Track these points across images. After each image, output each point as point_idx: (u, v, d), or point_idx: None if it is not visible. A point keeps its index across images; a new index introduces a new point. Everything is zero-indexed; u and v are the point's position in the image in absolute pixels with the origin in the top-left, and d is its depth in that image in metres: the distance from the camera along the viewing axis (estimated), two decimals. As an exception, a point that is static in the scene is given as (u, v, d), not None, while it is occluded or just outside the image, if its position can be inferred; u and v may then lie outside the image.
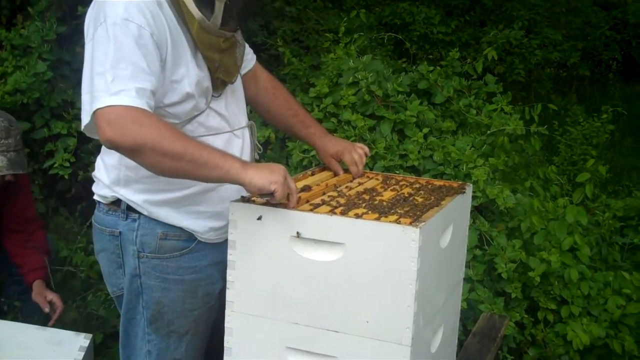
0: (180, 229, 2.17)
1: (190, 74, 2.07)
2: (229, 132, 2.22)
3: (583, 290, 3.74)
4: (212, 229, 2.21)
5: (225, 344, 2.06)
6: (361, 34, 4.54)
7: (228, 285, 2.02)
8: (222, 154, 1.97)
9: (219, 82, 2.18)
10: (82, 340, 2.88)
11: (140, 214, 2.16)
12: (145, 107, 1.88)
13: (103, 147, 2.20)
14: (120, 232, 2.19)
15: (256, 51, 5.72)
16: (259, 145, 2.41)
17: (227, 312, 2.04)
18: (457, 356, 2.60)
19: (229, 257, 2.01)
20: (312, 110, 3.93)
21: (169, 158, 1.88)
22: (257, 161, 2.40)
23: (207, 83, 2.13)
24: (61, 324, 3.22)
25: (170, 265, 2.18)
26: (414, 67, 4.40)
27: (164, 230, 2.16)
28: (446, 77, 4.36)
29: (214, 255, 2.25)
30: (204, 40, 2.08)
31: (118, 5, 1.94)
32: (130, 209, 2.17)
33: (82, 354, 2.84)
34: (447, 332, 2.27)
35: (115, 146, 1.88)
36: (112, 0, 1.96)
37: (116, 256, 2.22)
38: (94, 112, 1.88)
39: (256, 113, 2.73)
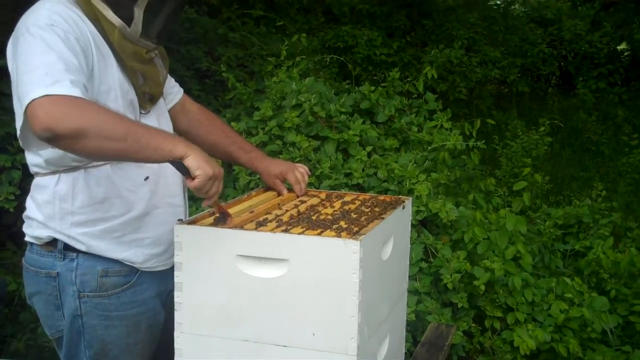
0: (121, 263, 2.15)
1: (116, 85, 2.06)
2: None
3: (527, 297, 3.86)
4: (153, 256, 2.20)
5: (176, 365, 2.09)
6: (303, 57, 4.64)
7: (176, 307, 2.06)
8: (165, 134, 1.98)
9: (146, 98, 2.17)
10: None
11: (78, 252, 2.11)
12: (80, 95, 1.84)
13: (32, 186, 2.16)
14: (57, 273, 2.13)
15: (200, 77, 5.78)
16: None
17: (176, 333, 2.07)
18: (405, 366, 2.66)
19: (176, 279, 2.05)
20: (257, 133, 4.00)
21: (113, 140, 1.83)
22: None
23: (132, 96, 2.12)
24: (9, 356, 3.20)
25: (113, 303, 2.15)
26: (357, 88, 4.51)
27: (104, 267, 2.13)
28: (388, 96, 4.48)
29: (156, 286, 2.25)
30: (126, 49, 2.08)
31: (40, 13, 1.95)
32: (67, 248, 2.12)
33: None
34: (393, 342, 2.33)
35: (54, 134, 1.78)
36: (32, 13, 1.97)
37: (54, 298, 2.16)
38: (28, 105, 1.80)
39: None
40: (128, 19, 2.08)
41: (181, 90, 2.55)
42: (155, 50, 2.22)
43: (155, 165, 2.16)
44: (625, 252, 4.41)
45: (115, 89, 2.07)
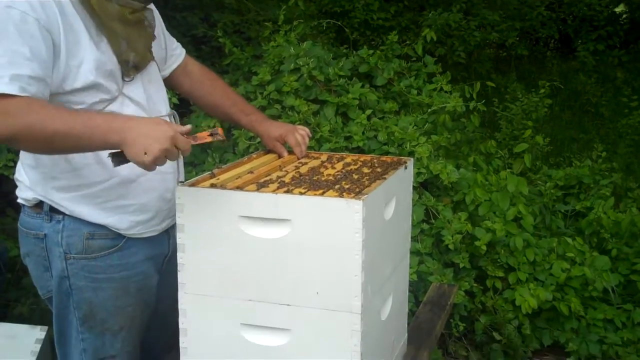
0: (106, 227, 2.16)
1: (89, 57, 2.02)
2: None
3: (528, 256, 3.88)
4: (138, 223, 2.20)
5: (180, 325, 2.10)
6: (301, 21, 4.59)
7: (179, 267, 2.06)
8: (101, 120, 1.90)
9: (130, 66, 2.12)
10: (38, 332, 2.88)
11: (64, 214, 2.13)
12: (17, 92, 1.84)
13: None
14: (45, 235, 2.16)
15: (197, 44, 5.74)
16: None
17: (179, 293, 2.08)
18: (408, 325, 2.68)
19: (178, 241, 2.05)
20: (256, 98, 3.98)
21: (43, 141, 1.85)
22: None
23: (112, 66, 2.07)
24: (14, 320, 3.23)
25: (100, 265, 2.16)
26: (355, 52, 4.48)
27: (89, 230, 2.14)
28: (386, 60, 4.45)
29: (146, 250, 2.25)
30: (107, 9, 2.02)
31: None
32: (53, 210, 2.13)
33: (39, 346, 2.84)
34: (396, 300, 2.35)
35: None
36: None
37: (42, 259, 2.18)
38: None
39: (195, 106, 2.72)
40: None
41: (183, 52, 2.54)
42: (142, 12, 2.16)
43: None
44: (626, 212, 4.43)
45: (88, 62, 2.02)
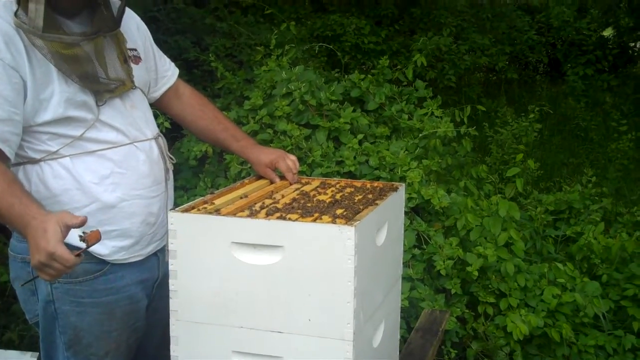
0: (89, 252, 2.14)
1: (58, 90, 2.04)
2: (128, 144, 2.20)
3: (520, 282, 3.87)
4: (121, 249, 2.20)
5: (172, 352, 2.08)
6: (292, 45, 4.61)
7: (171, 294, 2.05)
8: (20, 206, 1.94)
9: (102, 91, 2.12)
10: (28, 358, 2.85)
11: None
12: None
13: None
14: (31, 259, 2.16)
15: (189, 68, 5.75)
16: (172, 157, 2.39)
17: (171, 320, 2.06)
18: (400, 352, 2.66)
19: (170, 267, 2.04)
20: (248, 122, 3.98)
21: None
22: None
23: (83, 97, 2.08)
24: (4, 346, 3.20)
25: (84, 289, 2.16)
26: (346, 77, 4.50)
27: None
28: (377, 84, 4.47)
29: (134, 274, 2.25)
30: (38, 45, 2.00)
31: None
32: None
33: (29, 371, 2.82)
34: (388, 327, 2.34)
35: None
36: None
37: (29, 283, 2.18)
38: None
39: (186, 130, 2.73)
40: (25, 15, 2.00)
41: (175, 74, 2.54)
42: (86, 43, 2.10)
43: (122, 156, 2.16)
44: (616, 237, 4.42)
45: (58, 94, 2.04)
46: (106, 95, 2.15)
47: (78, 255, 1.91)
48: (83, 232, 1.95)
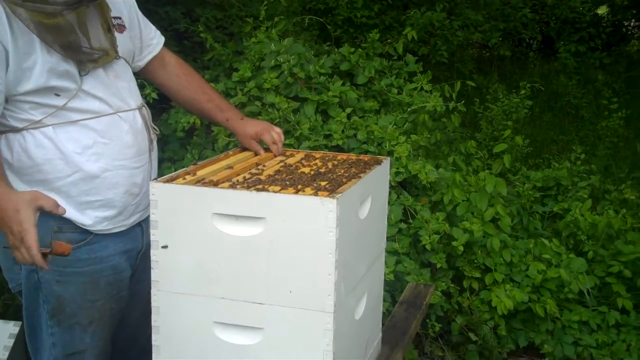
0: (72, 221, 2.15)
1: (41, 59, 2.02)
2: (112, 114, 2.19)
3: (505, 257, 3.89)
4: (105, 219, 2.20)
5: (153, 323, 2.09)
6: (282, 17, 4.57)
7: (152, 265, 2.05)
8: None
9: (85, 60, 2.11)
10: (11, 327, 2.86)
11: None
12: None
13: None
14: None
15: (179, 39, 5.69)
16: (155, 127, 2.38)
17: (152, 291, 2.06)
18: (383, 325, 2.68)
19: (152, 237, 2.04)
20: (236, 94, 3.96)
21: None
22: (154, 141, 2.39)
23: (65, 66, 2.07)
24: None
25: (68, 259, 2.13)
26: (336, 50, 4.47)
27: (57, 223, 2.13)
28: (368, 58, 4.44)
29: (118, 245, 2.25)
30: (19, 15, 1.98)
31: None
32: None
33: (12, 340, 2.83)
34: (371, 300, 2.34)
35: None
36: None
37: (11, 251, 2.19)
38: None
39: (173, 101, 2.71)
40: None
41: (161, 42, 2.51)
42: (69, 12, 2.07)
43: (105, 126, 2.14)
44: (603, 215, 4.44)
45: (41, 64, 2.03)
46: (89, 66, 2.13)
47: (44, 255, 1.91)
48: (54, 240, 1.96)
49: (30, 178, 2.11)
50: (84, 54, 2.10)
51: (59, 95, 2.07)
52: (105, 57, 2.17)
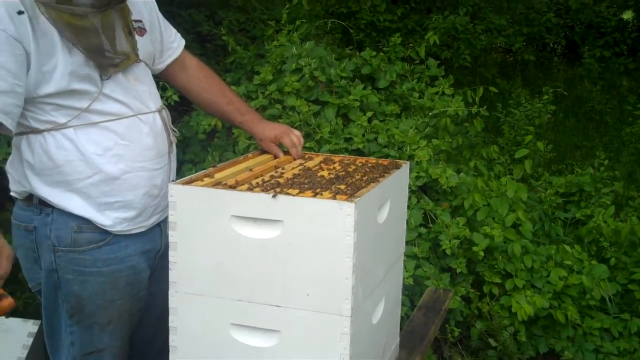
0: (92, 221, 2.16)
1: (62, 62, 2.03)
2: (132, 116, 2.20)
3: (526, 263, 3.87)
4: (124, 220, 2.21)
5: (170, 323, 2.09)
6: (303, 21, 4.58)
7: (170, 266, 2.06)
8: None
9: (106, 65, 2.12)
10: (30, 326, 2.89)
11: (52, 207, 2.14)
12: None
13: (12, 141, 2.20)
14: (34, 227, 2.18)
15: (202, 42, 5.73)
16: (175, 130, 2.39)
17: (170, 292, 2.07)
18: (402, 329, 2.67)
19: (170, 239, 2.04)
20: (257, 97, 3.97)
21: None
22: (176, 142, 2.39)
23: (87, 70, 2.08)
24: (9, 314, 3.23)
25: (87, 259, 2.17)
26: (358, 54, 4.47)
27: (77, 223, 2.15)
28: (389, 62, 4.44)
29: (136, 245, 2.26)
30: (52, 16, 2.00)
31: None
32: (42, 203, 2.15)
33: (31, 339, 2.85)
34: (389, 304, 2.34)
35: None
36: None
37: (32, 251, 2.20)
38: None
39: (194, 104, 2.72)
40: None
41: (182, 45, 2.52)
42: (100, 16, 2.09)
43: (125, 128, 2.16)
44: (627, 221, 4.40)
45: (62, 67, 2.04)
46: (111, 70, 2.14)
47: None
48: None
49: (52, 179, 2.13)
50: (106, 58, 2.12)
51: (80, 98, 2.09)
52: (126, 61, 2.19)
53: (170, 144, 2.34)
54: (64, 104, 2.07)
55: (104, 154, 2.14)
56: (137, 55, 2.23)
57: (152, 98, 2.29)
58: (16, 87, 1.98)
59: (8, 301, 2.01)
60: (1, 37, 1.94)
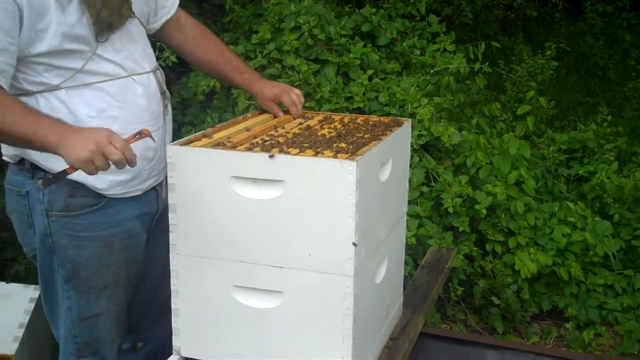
0: (86, 185, 2.13)
1: (55, 21, 1.98)
2: (126, 77, 2.15)
3: (529, 221, 3.85)
4: (119, 183, 2.17)
5: (172, 287, 2.08)
6: (302, -22, 4.50)
7: (171, 228, 2.03)
8: (37, 125, 1.91)
9: (104, 26, 2.07)
10: (32, 292, 2.87)
11: (45, 171, 2.11)
12: None
13: None
14: (27, 192, 2.15)
15: (198, 1, 5.61)
16: (167, 91, 2.35)
17: (171, 254, 2.05)
18: (405, 288, 2.66)
19: (170, 201, 2.02)
20: (256, 57, 3.91)
21: None
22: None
23: (81, 29, 2.03)
24: (11, 279, 3.23)
25: (82, 223, 2.14)
26: (357, 11, 4.39)
27: (70, 187, 2.11)
28: (389, 19, 4.36)
29: (133, 208, 2.23)
30: None
31: None
32: (35, 167, 2.12)
33: (33, 305, 2.84)
34: (392, 264, 2.32)
35: None
36: None
37: (25, 216, 2.18)
38: None
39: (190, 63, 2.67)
40: None
41: (176, 3, 2.46)
42: None
43: (119, 89, 2.11)
44: (630, 177, 4.37)
45: (55, 26, 1.98)
46: (107, 32, 2.09)
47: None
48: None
49: None
50: (102, 20, 2.07)
51: (73, 58, 2.04)
52: (120, 19, 2.14)
53: (165, 105, 2.29)
54: (56, 64, 2.02)
55: (97, 115, 2.10)
56: (131, 9, 2.18)
57: (146, 58, 2.25)
58: (9, 45, 1.93)
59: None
60: None
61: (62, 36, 2.00)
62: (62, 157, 1.89)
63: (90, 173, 1.90)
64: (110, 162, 1.89)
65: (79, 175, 2.07)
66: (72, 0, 2.00)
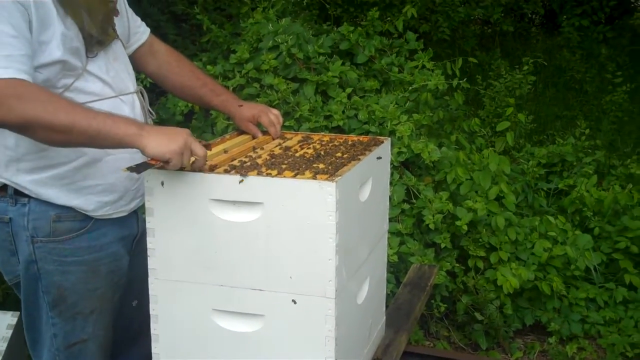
0: (73, 208, 2.11)
1: (57, 33, 1.97)
2: (114, 97, 2.14)
3: (510, 236, 3.85)
4: (106, 204, 2.15)
5: (151, 311, 2.05)
6: (280, -3, 4.51)
7: (149, 253, 2.01)
8: (114, 120, 1.90)
9: (94, 41, 2.08)
10: (9, 318, 2.82)
11: (29, 197, 2.08)
12: (20, 75, 1.82)
13: None
14: (10, 219, 2.11)
15: (176, 21, 5.61)
16: (152, 111, 2.34)
17: (150, 279, 2.02)
18: (387, 306, 2.64)
19: (148, 225, 1.99)
20: (234, 77, 3.91)
21: (58, 132, 1.84)
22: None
23: (77, 43, 2.03)
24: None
25: (68, 248, 2.11)
26: (335, 29, 4.41)
27: (56, 212, 2.09)
28: (367, 37, 4.38)
29: (115, 232, 2.21)
30: None
31: None
32: (18, 193, 2.08)
33: (10, 332, 2.79)
34: (374, 283, 2.30)
35: (2, 125, 1.85)
36: None
37: (8, 243, 2.14)
38: None
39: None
40: None
41: (147, 30, 2.47)
42: None
43: (108, 109, 2.09)
44: (609, 190, 4.39)
45: (57, 38, 1.97)
46: (97, 48, 2.09)
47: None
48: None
49: (30, 165, 2.06)
50: (93, 37, 2.07)
51: (66, 74, 2.02)
52: (108, 37, 2.14)
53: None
54: (51, 81, 2.00)
55: None
56: (115, 30, 2.18)
57: (130, 78, 2.25)
58: (31, 51, 1.92)
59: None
60: (9, 2, 1.87)
61: (63, 47, 1.99)
62: (144, 148, 1.88)
63: (174, 166, 1.89)
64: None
65: (65, 199, 2.05)
66: (68, 12, 2.00)
